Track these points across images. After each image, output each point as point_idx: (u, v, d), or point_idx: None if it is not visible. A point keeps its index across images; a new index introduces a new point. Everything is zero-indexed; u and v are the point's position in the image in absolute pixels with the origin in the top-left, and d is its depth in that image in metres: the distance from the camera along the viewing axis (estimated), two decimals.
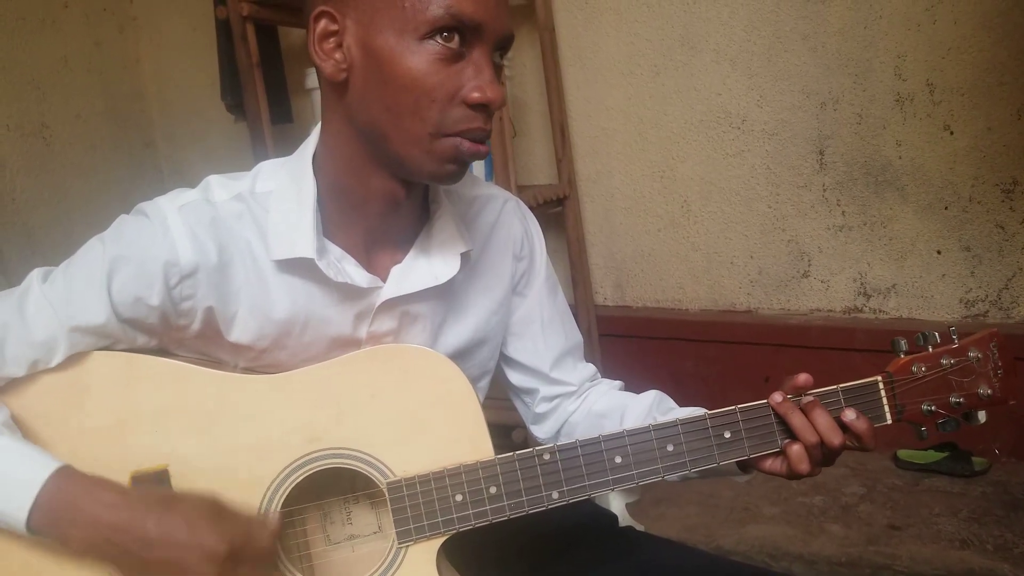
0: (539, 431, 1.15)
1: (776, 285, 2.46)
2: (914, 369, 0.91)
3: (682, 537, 1.94)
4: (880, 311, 2.34)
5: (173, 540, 0.79)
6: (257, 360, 0.93)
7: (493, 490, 0.88)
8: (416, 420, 0.90)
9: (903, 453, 2.20)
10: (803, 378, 0.89)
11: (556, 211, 2.57)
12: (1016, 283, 2.17)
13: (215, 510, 0.82)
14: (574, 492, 0.89)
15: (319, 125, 0.93)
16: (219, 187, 0.92)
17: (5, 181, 2.60)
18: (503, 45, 0.86)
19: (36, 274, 0.90)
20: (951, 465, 2.13)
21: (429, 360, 0.92)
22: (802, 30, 2.25)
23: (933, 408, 0.92)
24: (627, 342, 2.62)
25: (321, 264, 0.88)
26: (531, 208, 1.14)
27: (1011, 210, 2.14)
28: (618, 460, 0.89)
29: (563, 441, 0.90)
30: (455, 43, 0.81)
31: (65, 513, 0.80)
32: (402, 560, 0.89)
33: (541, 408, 1.13)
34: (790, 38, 2.28)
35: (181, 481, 0.88)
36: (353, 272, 0.91)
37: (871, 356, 2.19)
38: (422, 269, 0.95)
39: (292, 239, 0.89)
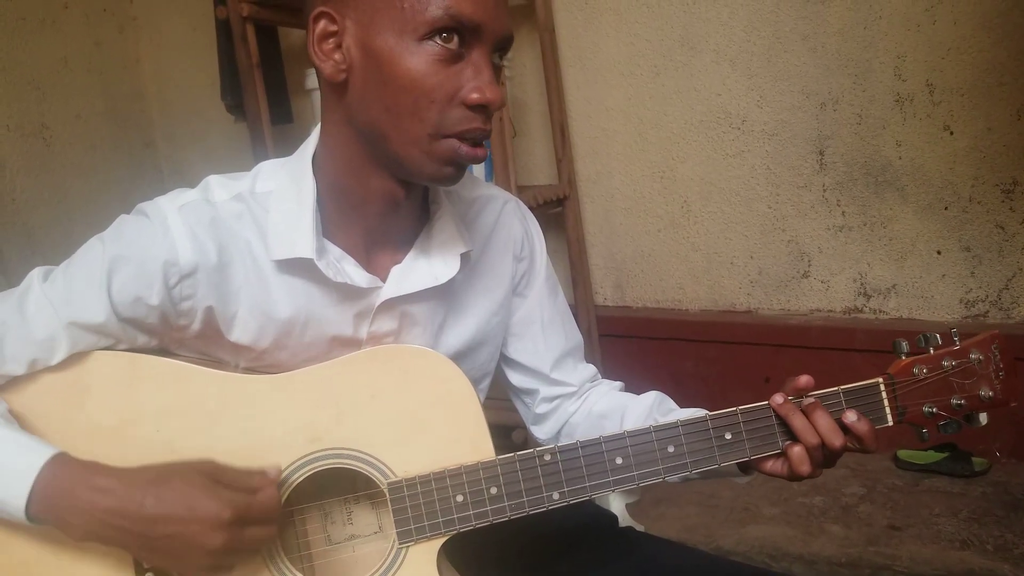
0: (539, 432, 1.15)
1: (776, 285, 2.46)
2: (915, 371, 0.91)
3: (682, 537, 1.94)
4: (880, 311, 2.34)
5: (174, 515, 0.79)
6: (258, 360, 0.93)
7: (494, 490, 0.88)
8: (417, 420, 0.90)
9: (903, 453, 2.20)
10: (804, 380, 0.89)
11: (556, 211, 2.57)
12: (1016, 283, 2.17)
13: (212, 476, 0.82)
14: (575, 493, 0.89)
15: (319, 126, 0.93)
16: (219, 187, 0.92)
17: (5, 181, 2.60)
18: (502, 46, 0.86)
19: (36, 273, 0.90)
20: (951, 465, 2.13)
21: (429, 360, 0.92)
22: (802, 30, 2.25)
23: (934, 410, 0.91)
24: (627, 342, 2.62)
25: (320, 264, 0.88)
26: (531, 208, 1.14)
27: (1011, 210, 2.14)
28: (619, 461, 0.89)
29: (563, 442, 0.90)
30: (454, 44, 0.81)
31: (62, 500, 0.80)
32: (403, 560, 0.89)
33: (541, 409, 1.13)
34: (790, 38, 2.28)
35: None
36: (352, 272, 0.91)
37: (871, 356, 2.20)
38: (422, 269, 0.95)
39: (292, 239, 0.89)
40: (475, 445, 0.90)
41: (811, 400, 0.89)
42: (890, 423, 0.91)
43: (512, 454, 0.89)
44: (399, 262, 0.95)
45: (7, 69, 2.62)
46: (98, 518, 0.80)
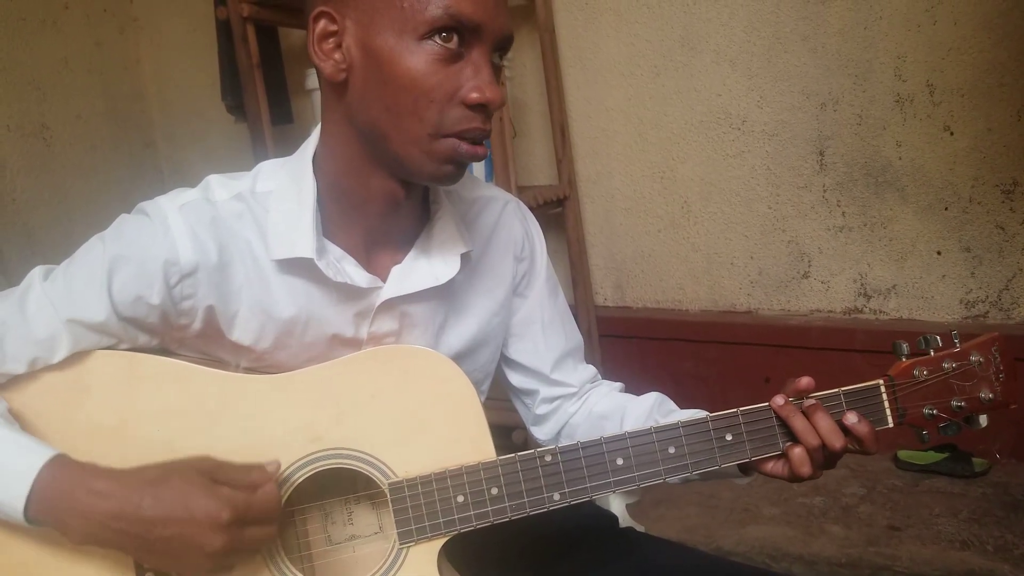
0: (539, 432, 1.14)
1: (776, 286, 2.46)
2: (916, 373, 0.91)
3: (682, 538, 1.94)
4: (880, 312, 2.34)
5: (172, 516, 0.78)
6: (258, 360, 0.93)
7: (495, 491, 0.88)
8: (417, 420, 0.90)
9: (903, 454, 2.20)
10: (805, 381, 0.89)
11: (556, 212, 2.57)
12: (1016, 284, 2.17)
13: (211, 474, 0.82)
14: (576, 493, 0.89)
15: (319, 126, 0.93)
16: (219, 187, 0.92)
17: (5, 181, 2.60)
18: (502, 46, 0.86)
19: (37, 272, 0.90)
20: (951, 466, 2.13)
21: (430, 360, 0.92)
22: (802, 31, 2.25)
23: (934, 412, 0.91)
24: (627, 343, 2.62)
25: (320, 264, 0.88)
26: (531, 209, 1.14)
27: (1011, 211, 2.14)
28: (620, 462, 0.89)
29: (563, 443, 0.90)
30: (454, 43, 0.81)
31: (61, 502, 0.80)
32: (403, 561, 0.89)
33: (541, 409, 1.13)
34: (790, 39, 2.28)
35: None
36: (353, 272, 0.91)
37: (871, 357, 2.20)
38: (422, 269, 0.95)
39: (292, 239, 0.89)
40: (476, 445, 0.90)
41: (812, 401, 0.89)
42: (890, 424, 0.91)
43: (513, 454, 0.89)
44: (399, 262, 0.95)
45: (8, 69, 2.62)
46: (96, 520, 0.79)
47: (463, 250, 0.96)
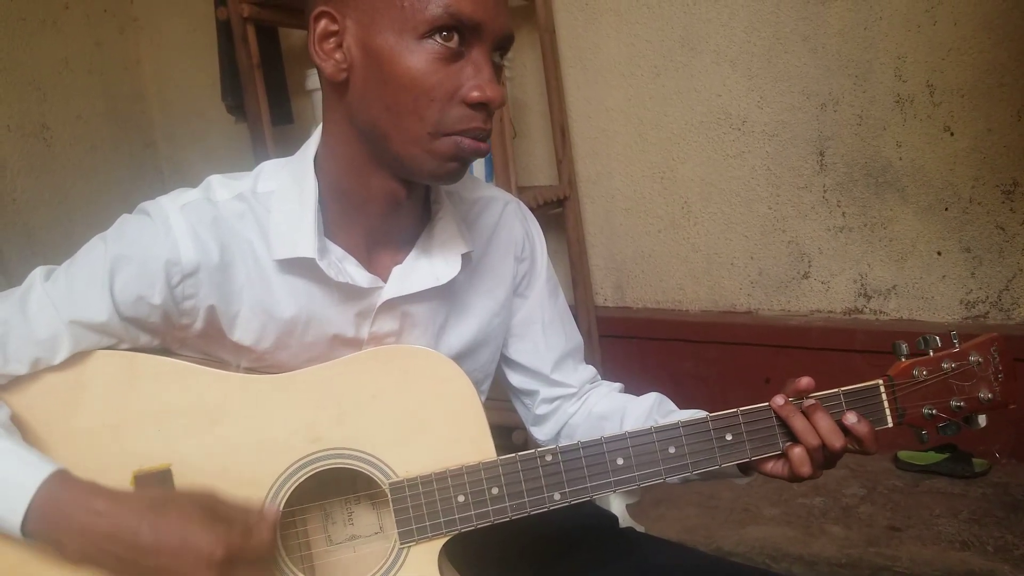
0: (539, 433, 1.15)
1: (776, 286, 2.46)
2: (915, 373, 0.91)
3: (682, 538, 1.94)
4: (880, 312, 2.34)
5: (167, 547, 0.78)
6: (259, 360, 0.94)
7: (495, 491, 0.89)
8: (418, 420, 0.90)
9: (903, 454, 2.20)
10: (805, 382, 0.89)
11: (556, 212, 2.57)
12: (1016, 284, 2.17)
13: (210, 510, 0.81)
14: (576, 493, 0.89)
15: (320, 126, 0.93)
16: (221, 187, 0.92)
17: (6, 182, 2.60)
18: (503, 45, 0.86)
19: (38, 273, 0.90)
20: (951, 466, 2.13)
21: (430, 360, 0.92)
22: (802, 31, 2.26)
23: (934, 412, 0.92)
24: (627, 343, 2.62)
25: (322, 264, 0.88)
26: (531, 209, 1.14)
27: (1011, 211, 2.14)
28: (620, 462, 0.89)
29: (563, 443, 0.90)
30: (454, 42, 0.82)
31: (59, 520, 0.79)
32: (404, 560, 0.89)
33: (541, 410, 1.13)
34: (790, 39, 2.28)
35: (183, 480, 0.88)
36: (354, 272, 0.91)
37: (871, 357, 2.20)
38: (423, 270, 0.95)
39: (294, 239, 0.89)
40: (476, 445, 0.90)
41: (811, 401, 0.89)
42: (890, 424, 0.92)
43: (513, 454, 0.89)
44: (400, 262, 0.95)
45: (8, 70, 2.62)
46: (92, 541, 0.79)
47: (464, 250, 0.96)
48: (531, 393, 1.13)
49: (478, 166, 2.16)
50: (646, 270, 2.63)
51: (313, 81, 2.29)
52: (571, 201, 2.57)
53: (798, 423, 0.88)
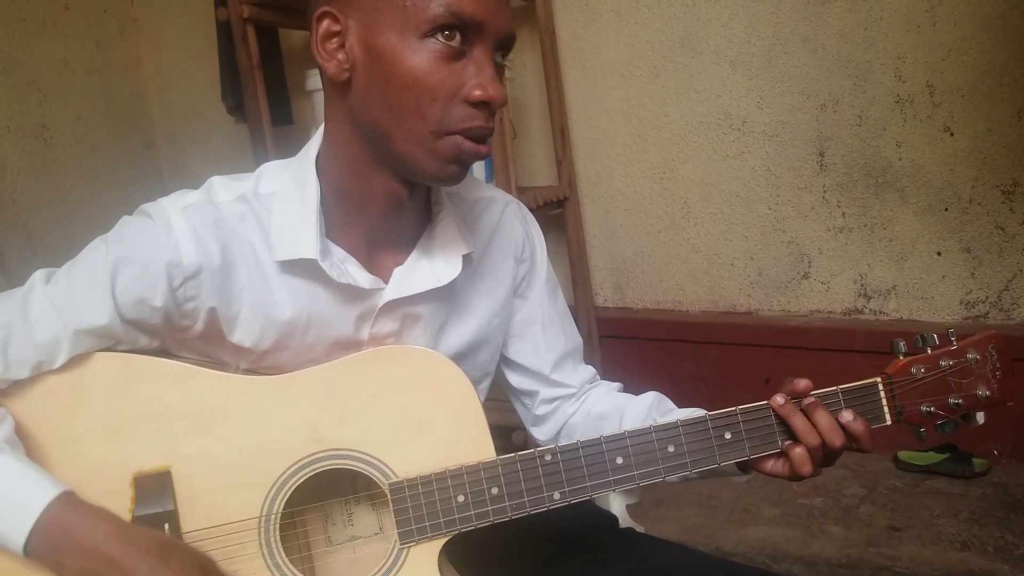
0: (539, 433, 1.15)
1: (776, 286, 2.46)
2: (913, 370, 0.92)
3: (682, 538, 1.94)
4: (880, 312, 2.35)
5: None
6: (259, 361, 0.94)
7: (495, 490, 0.89)
8: (418, 421, 0.90)
9: (903, 454, 2.20)
10: (803, 384, 0.89)
11: (556, 213, 2.57)
12: (1016, 285, 2.17)
13: (206, 573, 0.82)
14: (576, 492, 0.89)
15: (322, 126, 0.93)
16: (222, 188, 0.92)
17: (6, 183, 2.60)
18: (504, 45, 0.86)
19: (39, 275, 0.90)
20: (951, 466, 2.13)
21: (430, 361, 0.92)
22: (802, 32, 2.26)
23: (932, 409, 0.92)
24: (627, 344, 2.62)
25: (324, 265, 0.88)
26: (531, 210, 1.14)
27: (1011, 211, 2.14)
28: (619, 461, 0.89)
29: (563, 443, 0.90)
30: (456, 41, 0.82)
31: (62, 542, 0.80)
32: (404, 561, 0.89)
33: (541, 410, 1.13)
34: (790, 40, 2.28)
35: (183, 482, 0.88)
36: (356, 273, 0.92)
37: (871, 357, 2.19)
38: (424, 271, 0.95)
39: (295, 240, 0.89)
40: (476, 445, 0.90)
41: (811, 400, 0.89)
42: (888, 422, 0.92)
43: (513, 454, 0.89)
44: (401, 263, 0.95)
45: (8, 70, 2.62)
46: (93, 564, 0.79)
47: (465, 251, 0.96)
48: (531, 393, 1.13)
49: (478, 167, 2.16)
50: (646, 270, 2.63)
51: (313, 82, 2.29)
52: (571, 202, 2.57)
53: (798, 422, 0.88)
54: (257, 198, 0.92)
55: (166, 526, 0.86)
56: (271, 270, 0.91)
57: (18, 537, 0.79)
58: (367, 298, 0.93)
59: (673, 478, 0.92)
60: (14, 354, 0.86)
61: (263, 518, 0.89)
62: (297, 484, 0.89)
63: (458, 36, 0.82)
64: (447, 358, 0.92)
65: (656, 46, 2.45)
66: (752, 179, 2.42)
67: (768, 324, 2.45)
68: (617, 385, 1.15)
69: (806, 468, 0.89)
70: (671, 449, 0.90)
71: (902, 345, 0.93)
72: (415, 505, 0.88)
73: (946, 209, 2.21)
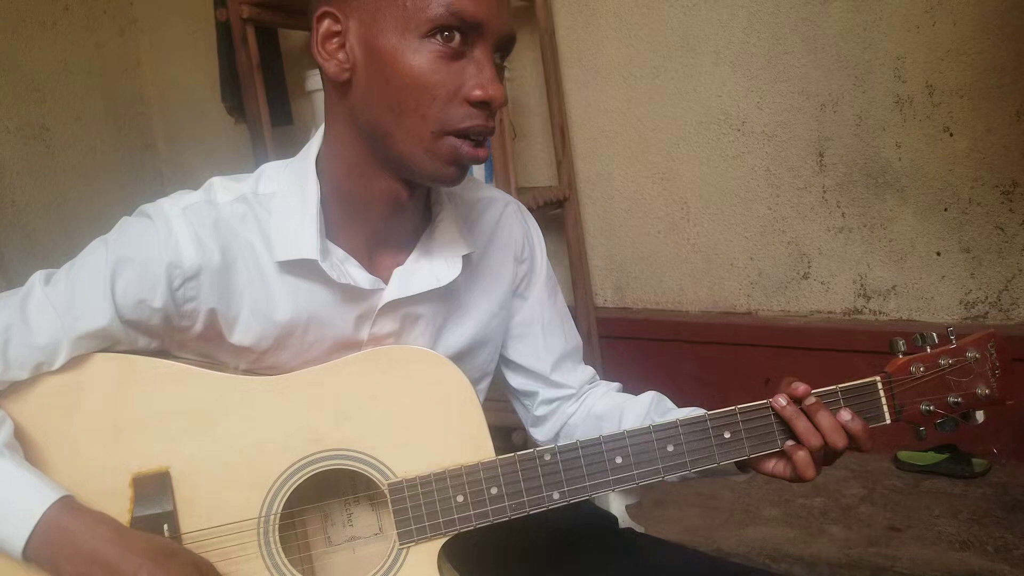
0: (538, 434, 1.15)
1: (776, 287, 2.46)
2: (912, 369, 0.92)
3: (682, 539, 1.94)
4: (880, 312, 2.34)
5: None
6: (258, 362, 0.94)
7: (494, 491, 0.89)
8: (417, 421, 0.90)
9: (903, 455, 2.20)
10: (802, 389, 0.89)
11: (556, 213, 2.57)
12: (1016, 285, 2.17)
13: None
14: (575, 492, 0.89)
15: (322, 127, 0.93)
16: (222, 189, 0.92)
17: (5, 184, 2.60)
18: (504, 45, 0.86)
19: (38, 276, 0.90)
20: (951, 467, 2.13)
21: (429, 361, 0.92)
22: (802, 32, 2.26)
23: (931, 408, 0.92)
24: (627, 344, 2.62)
25: (324, 265, 0.88)
26: (531, 210, 1.14)
27: (1010, 212, 2.14)
28: (619, 460, 0.89)
29: (562, 443, 0.90)
30: (456, 42, 0.82)
31: (61, 546, 0.81)
32: (403, 561, 0.89)
33: (540, 411, 1.13)
34: (790, 40, 2.28)
35: (183, 482, 0.88)
36: (356, 274, 0.92)
37: (871, 357, 2.16)
38: (424, 271, 0.95)
39: (295, 241, 0.89)
40: (475, 445, 0.90)
41: (812, 400, 0.89)
42: (888, 421, 0.92)
43: (512, 454, 0.89)
44: (401, 263, 0.95)
45: (7, 71, 2.62)
46: (89, 572, 0.80)
47: (465, 251, 0.96)
48: (530, 394, 1.13)
49: (478, 167, 2.15)
50: (646, 271, 2.63)
51: (312, 82, 2.29)
52: (571, 202, 2.57)
53: (800, 425, 0.88)
54: (257, 199, 0.92)
55: (165, 527, 0.86)
56: (271, 271, 0.91)
57: (17, 542, 0.80)
58: (367, 298, 0.93)
59: (672, 478, 0.92)
60: (14, 355, 0.86)
61: (262, 518, 0.89)
62: (296, 484, 0.89)
63: (458, 36, 0.82)
64: (446, 359, 0.92)
65: (656, 46, 2.45)
66: (752, 179, 2.41)
67: (768, 324, 2.45)
68: (616, 385, 1.15)
69: (810, 472, 0.88)
70: (670, 449, 0.90)
71: (901, 344, 0.93)
72: (414, 505, 0.88)
73: (945, 209, 2.21)
